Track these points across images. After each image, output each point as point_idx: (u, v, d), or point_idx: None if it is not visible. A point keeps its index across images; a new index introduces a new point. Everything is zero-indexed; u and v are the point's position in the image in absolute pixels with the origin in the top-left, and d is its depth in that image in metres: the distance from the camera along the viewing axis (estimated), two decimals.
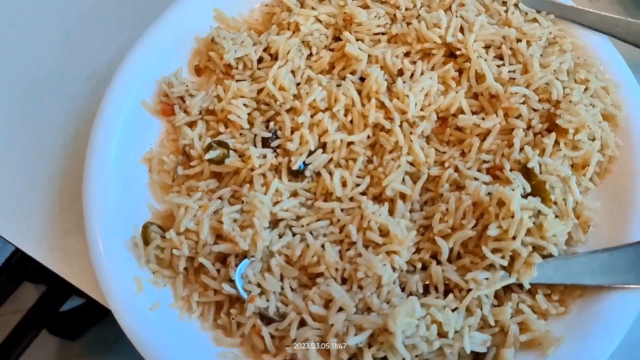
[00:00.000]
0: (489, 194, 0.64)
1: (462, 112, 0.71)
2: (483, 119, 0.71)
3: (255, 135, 0.73)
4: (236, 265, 0.66)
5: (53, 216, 0.77)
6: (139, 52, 0.77)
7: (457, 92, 0.71)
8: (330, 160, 0.72)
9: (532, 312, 0.62)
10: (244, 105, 0.74)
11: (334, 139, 0.71)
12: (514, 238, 0.62)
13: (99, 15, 0.93)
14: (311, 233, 0.68)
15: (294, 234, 0.68)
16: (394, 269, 0.64)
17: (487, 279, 0.62)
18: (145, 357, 0.61)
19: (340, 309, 0.61)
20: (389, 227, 0.65)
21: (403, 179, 0.70)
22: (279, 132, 0.73)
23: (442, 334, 0.60)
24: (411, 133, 0.71)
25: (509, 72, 0.72)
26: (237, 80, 0.76)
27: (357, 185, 0.70)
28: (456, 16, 0.74)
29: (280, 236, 0.67)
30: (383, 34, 0.78)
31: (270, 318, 0.64)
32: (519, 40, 0.73)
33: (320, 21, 0.79)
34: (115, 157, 0.71)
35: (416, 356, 0.60)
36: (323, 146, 0.72)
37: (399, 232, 0.64)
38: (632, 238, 0.64)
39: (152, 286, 0.66)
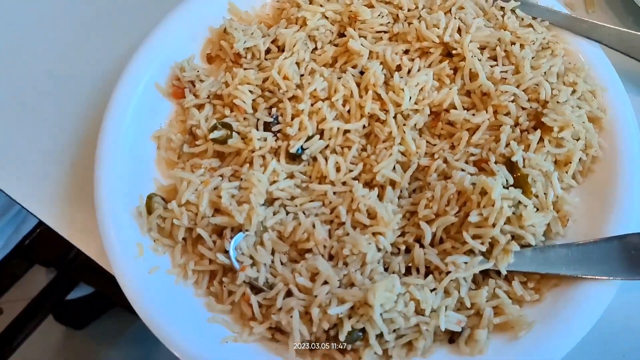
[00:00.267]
0: (473, 183, 0.67)
1: (455, 107, 0.75)
2: (473, 114, 0.74)
3: (258, 119, 0.77)
4: (231, 238, 0.70)
5: (66, 184, 0.83)
6: (156, 39, 0.82)
7: (450, 89, 0.75)
8: (327, 146, 0.76)
9: (507, 297, 0.66)
10: (250, 91, 0.78)
11: (331, 126, 0.75)
12: (493, 225, 0.65)
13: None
14: (304, 212, 0.72)
15: (287, 213, 0.72)
16: (379, 249, 0.68)
17: (465, 263, 0.66)
18: (142, 316, 0.65)
19: (325, 282, 0.65)
20: (377, 210, 0.68)
21: (394, 167, 0.73)
22: (280, 118, 0.77)
23: (419, 312, 0.64)
24: (404, 125, 0.75)
25: (501, 72, 0.75)
26: (245, 69, 0.81)
27: (350, 170, 0.74)
28: (455, 18, 0.78)
29: (274, 213, 0.72)
30: (385, 32, 0.82)
31: (259, 288, 0.68)
32: (513, 43, 0.77)
33: (326, 17, 0.83)
34: (127, 133, 0.76)
35: (394, 331, 0.64)
36: (321, 133, 0.76)
37: (386, 215, 0.68)
38: (609, 234, 0.67)
39: (152, 252, 0.70)
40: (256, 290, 0.68)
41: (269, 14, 0.89)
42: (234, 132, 0.76)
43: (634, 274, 0.63)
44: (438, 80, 0.77)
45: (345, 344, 0.63)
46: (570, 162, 0.70)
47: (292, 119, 0.76)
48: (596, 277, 0.64)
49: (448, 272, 0.66)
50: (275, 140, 0.76)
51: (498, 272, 0.67)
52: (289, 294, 0.66)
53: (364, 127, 0.76)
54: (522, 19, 0.81)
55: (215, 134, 0.75)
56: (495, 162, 0.70)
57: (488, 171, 0.70)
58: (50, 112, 0.89)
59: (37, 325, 1.92)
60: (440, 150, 0.74)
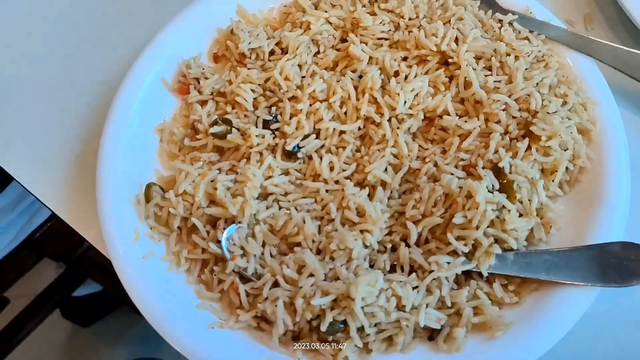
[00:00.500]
0: (460, 187, 0.69)
1: (448, 113, 0.77)
2: (466, 121, 0.76)
3: (258, 117, 0.80)
4: (224, 229, 0.72)
5: (72, 171, 0.86)
6: (166, 36, 0.86)
7: (444, 95, 0.78)
8: (323, 146, 0.78)
9: (487, 299, 0.67)
10: (252, 90, 0.81)
11: (327, 126, 0.78)
12: (477, 228, 0.67)
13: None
14: (296, 208, 0.74)
15: (280, 207, 0.75)
16: (366, 246, 0.70)
17: (448, 263, 0.68)
18: (133, 298, 0.68)
19: (311, 275, 0.67)
20: (366, 208, 0.71)
21: (386, 168, 0.76)
22: (279, 117, 0.80)
23: (400, 308, 0.66)
24: (398, 128, 0.77)
25: (494, 81, 0.77)
26: (248, 69, 0.84)
27: (344, 170, 0.76)
28: (453, 28, 0.81)
29: (267, 207, 0.74)
30: (386, 39, 0.85)
31: (248, 278, 0.70)
32: (508, 55, 0.79)
33: (330, 23, 0.86)
34: (132, 124, 0.79)
35: (375, 325, 0.66)
36: (317, 133, 0.78)
37: (374, 214, 0.70)
38: (590, 242, 0.69)
39: (148, 239, 0.73)
40: (245, 280, 0.70)
41: (276, 18, 0.92)
42: (233, 128, 0.78)
43: (611, 282, 0.65)
44: (433, 87, 0.79)
45: (327, 334, 0.65)
46: (557, 171, 0.72)
47: (291, 118, 0.79)
48: (574, 283, 0.65)
49: (431, 271, 0.67)
50: (273, 138, 0.78)
51: (480, 274, 0.69)
52: (275, 284, 0.68)
53: (359, 128, 0.79)
54: (519, 32, 0.83)
55: (215, 129, 0.78)
56: (483, 167, 0.72)
57: (476, 176, 0.72)
58: (63, 104, 0.93)
59: (42, 319, 1.95)
60: (431, 154, 0.76)
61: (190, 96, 0.83)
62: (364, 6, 0.87)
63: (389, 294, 0.65)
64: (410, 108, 0.78)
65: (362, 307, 0.64)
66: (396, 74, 0.81)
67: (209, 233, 0.73)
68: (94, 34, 1.00)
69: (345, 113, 0.79)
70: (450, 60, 0.80)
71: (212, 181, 0.74)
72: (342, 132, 0.78)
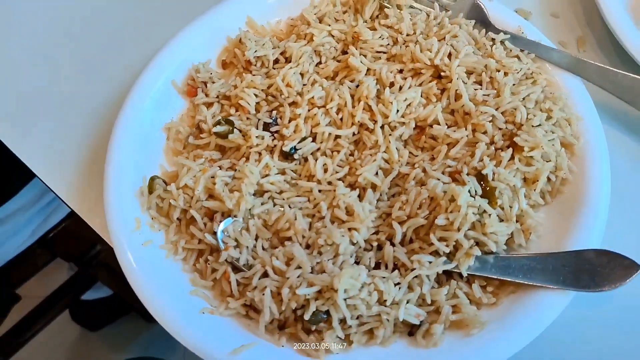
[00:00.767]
0: (445, 191, 0.73)
1: (438, 123, 0.81)
2: (454, 131, 0.80)
3: (259, 120, 0.85)
4: (220, 221, 0.77)
5: (83, 164, 0.92)
6: (178, 42, 0.91)
7: (435, 106, 0.82)
8: (318, 149, 0.82)
9: (466, 298, 0.70)
10: (255, 94, 0.86)
11: (323, 131, 0.82)
12: (458, 230, 0.70)
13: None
14: (289, 206, 0.79)
15: (274, 204, 0.79)
16: (353, 243, 0.73)
17: (430, 262, 0.71)
18: (130, 281, 0.72)
19: (298, 267, 0.71)
20: (354, 207, 0.75)
21: (377, 172, 0.80)
22: (279, 120, 0.84)
23: (382, 302, 0.69)
24: (390, 135, 0.81)
25: (483, 95, 0.81)
26: (253, 75, 0.89)
27: (337, 172, 0.80)
28: (447, 44, 0.85)
29: (262, 204, 0.78)
30: (384, 52, 0.89)
31: (240, 268, 0.74)
32: (498, 70, 0.83)
33: (332, 35, 0.91)
34: (141, 122, 0.85)
35: (357, 317, 0.69)
36: (314, 136, 0.83)
37: (362, 213, 0.74)
38: (568, 249, 0.72)
39: (148, 228, 0.78)
40: (237, 270, 0.74)
41: (282, 30, 0.98)
42: (235, 129, 0.83)
43: (584, 287, 0.67)
44: (426, 98, 0.84)
45: (310, 324, 0.68)
46: (538, 180, 0.75)
47: (290, 121, 0.83)
48: (550, 287, 0.68)
49: (413, 269, 0.71)
50: (272, 140, 0.83)
51: (461, 275, 0.72)
52: (265, 275, 0.72)
53: (353, 134, 0.83)
54: (510, 50, 0.87)
55: (218, 129, 0.83)
56: (467, 174, 0.75)
57: (460, 181, 0.75)
58: (81, 102, 0.99)
59: (51, 320, 1.99)
60: (420, 161, 0.80)
61: (197, 98, 0.88)
62: (365, 21, 0.93)
63: (372, 289, 0.69)
64: (402, 117, 0.82)
65: (345, 299, 0.67)
66: (391, 84, 0.85)
67: (206, 225, 0.77)
68: (111, 40, 1.06)
69: (341, 119, 0.83)
70: (442, 74, 0.84)
71: (212, 177, 0.79)
72: (337, 137, 0.83)
